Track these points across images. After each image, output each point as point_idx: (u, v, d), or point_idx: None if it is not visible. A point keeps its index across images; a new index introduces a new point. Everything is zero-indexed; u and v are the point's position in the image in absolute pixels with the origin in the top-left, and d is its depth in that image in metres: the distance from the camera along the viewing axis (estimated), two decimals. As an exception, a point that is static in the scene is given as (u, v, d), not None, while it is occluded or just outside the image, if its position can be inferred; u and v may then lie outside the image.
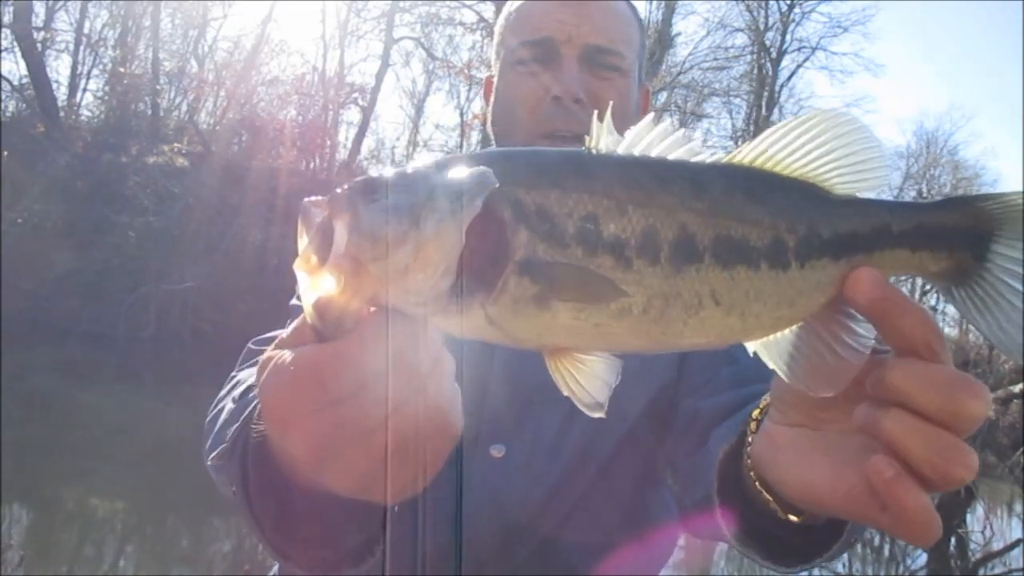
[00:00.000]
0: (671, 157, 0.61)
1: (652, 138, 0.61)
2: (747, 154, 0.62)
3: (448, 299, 0.56)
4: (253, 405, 0.83)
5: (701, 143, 0.62)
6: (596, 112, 0.62)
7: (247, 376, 1.04)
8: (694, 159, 0.61)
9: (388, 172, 0.58)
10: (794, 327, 0.62)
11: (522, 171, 0.59)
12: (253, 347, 1.20)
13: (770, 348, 0.63)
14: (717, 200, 0.59)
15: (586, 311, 0.58)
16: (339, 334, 0.56)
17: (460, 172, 0.57)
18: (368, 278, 0.54)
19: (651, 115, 0.63)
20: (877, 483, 0.57)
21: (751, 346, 0.63)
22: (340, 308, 0.56)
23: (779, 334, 0.63)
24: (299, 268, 0.56)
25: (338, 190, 0.57)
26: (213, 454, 0.89)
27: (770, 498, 0.72)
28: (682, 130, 0.61)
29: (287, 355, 0.59)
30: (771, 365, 0.63)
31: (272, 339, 1.21)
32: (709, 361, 1.15)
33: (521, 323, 0.58)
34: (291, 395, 0.58)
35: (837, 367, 0.60)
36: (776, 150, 0.61)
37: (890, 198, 0.71)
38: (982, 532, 8.93)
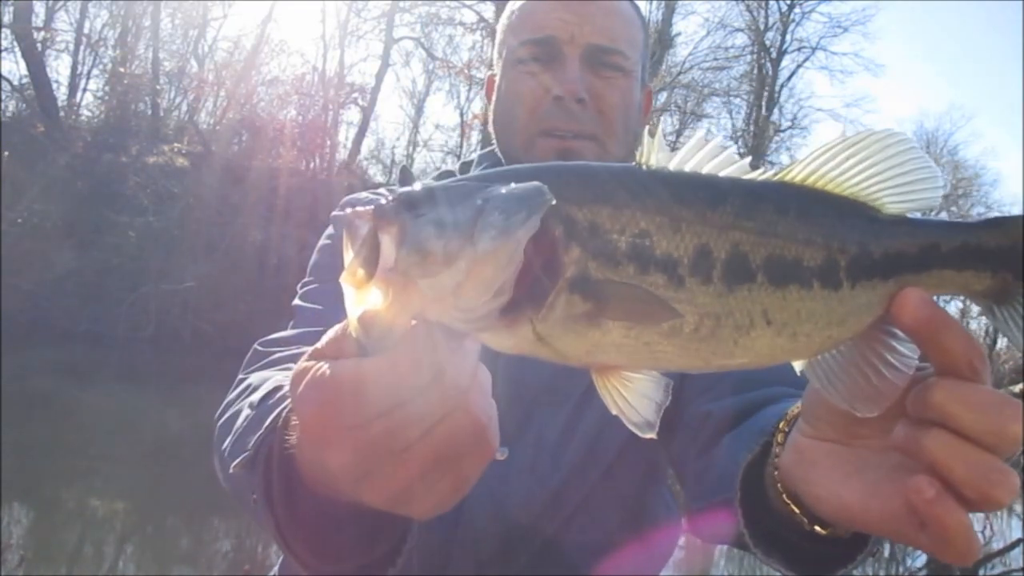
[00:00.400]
0: (722, 175, 0.61)
1: (703, 155, 0.60)
2: (798, 172, 0.61)
3: (497, 315, 0.55)
4: (276, 413, 0.82)
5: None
6: (647, 128, 0.61)
7: (260, 380, 1.02)
8: (745, 177, 0.61)
9: (432, 184, 0.56)
10: (840, 346, 0.62)
11: (573, 187, 0.58)
12: (260, 348, 1.19)
13: (815, 368, 0.62)
14: (770, 219, 0.59)
15: (636, 329, 0.57)
16: (383, 348, 0.55)
17: (513, 187, 0.55)
18: (417, 294, 0.53)
19: (702, 132, 0.63)
20: (918, 503, 0.56)
21: (798, 365, 0.63)
22: (387, 323, 0.54)
23: (824, 354, 0.62)
24: (345, 282, 0.55)
25: (383, 201, 0.55)
26: (234, 463, 0.88)
27: (797, 510, 0.72)
28: (733, 147, 0.60)
29: (325, 368, 0.58)
30: (816, 385, 0.63)
31: (278, 340, 1.21)
32: None
33: (570, 340, 0.57)
34: (333, 409, 0.57)
35: (882, 387, 0.60)
36: (828, 168, 0.61)
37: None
38: (982, 532, 8.92)
